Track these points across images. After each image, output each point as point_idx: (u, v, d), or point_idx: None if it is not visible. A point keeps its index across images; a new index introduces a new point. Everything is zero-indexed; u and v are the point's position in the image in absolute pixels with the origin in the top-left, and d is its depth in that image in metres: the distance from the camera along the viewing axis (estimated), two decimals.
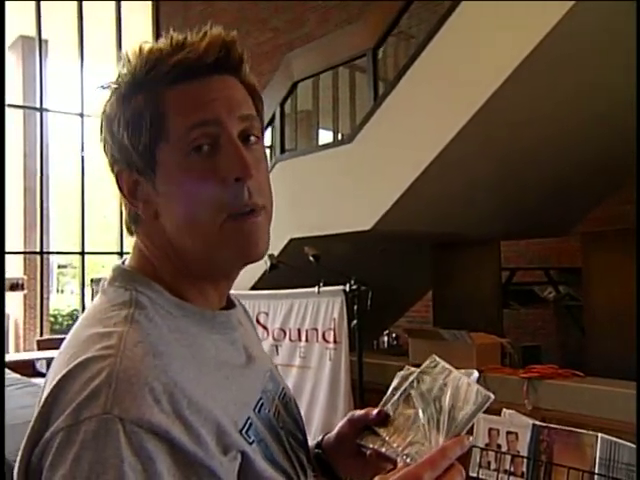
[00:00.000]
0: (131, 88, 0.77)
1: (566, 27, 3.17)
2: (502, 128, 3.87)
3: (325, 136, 5.89)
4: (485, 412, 0.86)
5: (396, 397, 0.89)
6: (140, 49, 0.78)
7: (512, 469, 1.34)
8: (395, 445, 0.83)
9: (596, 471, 1.21)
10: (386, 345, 7.65)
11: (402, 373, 0.92)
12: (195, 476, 0.66)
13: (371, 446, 0.87)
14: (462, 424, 0.79)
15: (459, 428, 0.79)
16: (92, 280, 12.68)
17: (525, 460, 1.31)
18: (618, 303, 4.03)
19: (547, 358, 4.30)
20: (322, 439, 0.98)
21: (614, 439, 1.25)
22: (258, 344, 0.95)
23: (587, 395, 3.19)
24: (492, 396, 0.82)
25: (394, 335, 7.60)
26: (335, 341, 4.20)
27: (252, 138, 0.79)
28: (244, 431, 0.75)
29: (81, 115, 12.45)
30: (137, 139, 0.76)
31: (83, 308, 12.91)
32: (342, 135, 5.53)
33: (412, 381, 0.89)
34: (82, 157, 12.13)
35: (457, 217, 4.70)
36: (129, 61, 0.78)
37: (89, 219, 12.78)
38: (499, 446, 1.39)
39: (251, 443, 0.75)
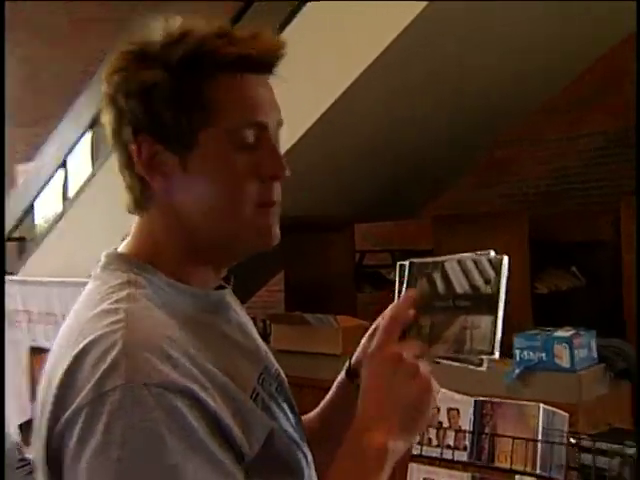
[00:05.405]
0: (182, 64, 0.77)
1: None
2: (355, 118, 4.00)
3: None
4: None
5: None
6: (186, 26, 0.78)
7: (455, 444, 1.39)
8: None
9: (539, 438, 1.29)
10: None
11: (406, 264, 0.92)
12: (216, 430, 0.69)
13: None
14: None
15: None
16: None
17: (468, 434, 1.36)
18: None
19: None
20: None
21: (551, 408, 1.34)
22: (252, 325, 0.96)
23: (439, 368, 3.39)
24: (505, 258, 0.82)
25: None
26: None
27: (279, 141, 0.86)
28: (252, 398, 0.79)
29: None
30: (182, 115, 0.77)
31: None
32: None
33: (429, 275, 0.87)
34: None
35: (309, 202, 4.77)
36: (176, 37, 0.77)
37: None
38: (440, 423, 1.43)
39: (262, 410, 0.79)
